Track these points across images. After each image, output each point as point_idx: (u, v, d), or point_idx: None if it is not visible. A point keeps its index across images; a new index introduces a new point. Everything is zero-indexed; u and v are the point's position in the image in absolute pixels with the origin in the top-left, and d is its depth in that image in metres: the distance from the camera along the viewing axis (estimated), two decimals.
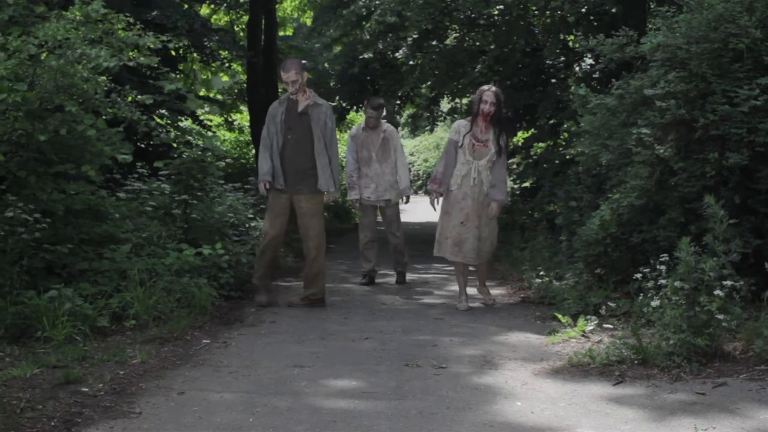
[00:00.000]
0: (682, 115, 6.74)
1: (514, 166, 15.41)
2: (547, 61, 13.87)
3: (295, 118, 7.79)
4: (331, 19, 16.33)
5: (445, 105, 19.15)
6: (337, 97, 18.02)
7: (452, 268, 11.31)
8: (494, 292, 8.35)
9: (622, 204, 7.32)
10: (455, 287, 9.23)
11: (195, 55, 16.35)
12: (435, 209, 8.22)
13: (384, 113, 9.96)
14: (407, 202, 9.95)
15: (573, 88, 9.69)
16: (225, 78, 21.60)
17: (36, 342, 5.91)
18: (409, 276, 10.08)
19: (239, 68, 20.52)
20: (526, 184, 14.99)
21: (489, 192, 7.84)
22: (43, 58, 6.87)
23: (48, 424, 4.27)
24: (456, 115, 19.31)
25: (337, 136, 25.05)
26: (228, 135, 20.67)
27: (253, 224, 10.22)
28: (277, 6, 19.65)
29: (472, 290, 8.30)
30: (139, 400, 4.76)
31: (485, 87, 8.01)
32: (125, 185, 9.11)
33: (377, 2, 14.18)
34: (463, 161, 7.87)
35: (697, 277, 5.51)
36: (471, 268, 8.29)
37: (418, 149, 44.57)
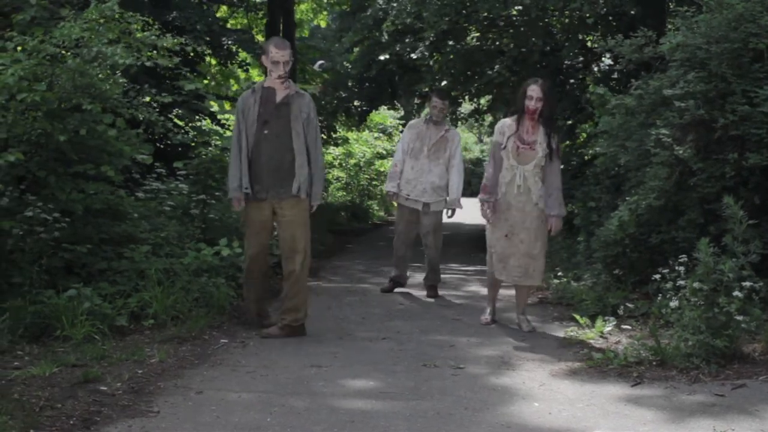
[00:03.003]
0: (701, 116, 6.71)
1: None
2: (566, 62, 13.83)
3: (272, 109, 6.53)
4: (350, 24, 16.35)
5: (466, 107, 19.10)
6: (356, 101, 18.07)
7: (469, 268, 11.32)
8: (511, 292, 8.13)
9: (641, 205, 7.30)
10: (473, 288, 9.23)
11: (213, 61, 16.43)
12: (489, 221, 7.03)
13: (450, 107, 9.19)
14: (452, 215, 9.03)
15: (591, 86, 9.60)
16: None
17: (55, 341, 5.94)
18: None
19: (256, 70, 20.56)
20: None
21: (545, 203, 6.80)
22: (61, 58, 6.91)
23: (67, 423, 4.29)
24: (477, 116, 19.22)
25: (355, 135, 24.81)
26: None
27: None
28: (294, 7, 19.67)
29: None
30: (158, 399, 4.78)
31: (530, 80, 6.98)
32: (144, 185, 9.15)
33: (394, 4, 14.19)
34: (507, 166, 6.84)
35: (716, 278, 5.49)
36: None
37: None
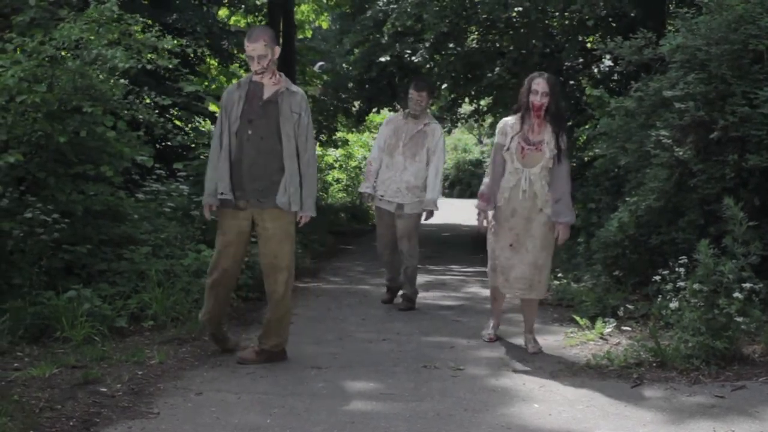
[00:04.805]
0: (701, 117, 6.71)
1: None
2: (566, 63, 13.85)
3: (258, 108, 5.64)
4: (351, 26, 16.37)
5: (466, 107, 19.09)
6: (355, 102, 18.11)
7: (468, 269, 11.31)
8: None
9: (641, 206, 7.30)
10: (472, 289, 9.23)
11: (213, 62, 16.41)
12: (482, 231, 6.54)
13: (431, 100, 8.30)
14: (428, 218, 8.08)
15: (587, 89, 9.59)
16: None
17: (55, 342, 5.93)
18: (426, 277, 9.99)
19: None
20: None
21: (551, 209, 6.13)
22: (61, 59, 6.91)
23: (67, 424, 4.29)
24: (477, 117, 19.11)
25: (355, 137, 24.66)
26: None
27: None
28: (295, 8, 19.68)
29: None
30: (157, 400, 4.78)
31: (535, 74, 6.27)
32: (144, 186, 9.14)
33: (394, 6, 14.20)
34: (511, 170, 6.17)
35: (716, 280, 5.49)
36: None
37: None
